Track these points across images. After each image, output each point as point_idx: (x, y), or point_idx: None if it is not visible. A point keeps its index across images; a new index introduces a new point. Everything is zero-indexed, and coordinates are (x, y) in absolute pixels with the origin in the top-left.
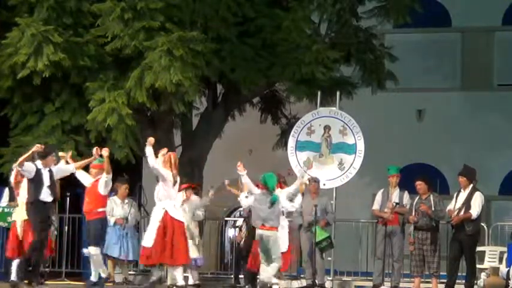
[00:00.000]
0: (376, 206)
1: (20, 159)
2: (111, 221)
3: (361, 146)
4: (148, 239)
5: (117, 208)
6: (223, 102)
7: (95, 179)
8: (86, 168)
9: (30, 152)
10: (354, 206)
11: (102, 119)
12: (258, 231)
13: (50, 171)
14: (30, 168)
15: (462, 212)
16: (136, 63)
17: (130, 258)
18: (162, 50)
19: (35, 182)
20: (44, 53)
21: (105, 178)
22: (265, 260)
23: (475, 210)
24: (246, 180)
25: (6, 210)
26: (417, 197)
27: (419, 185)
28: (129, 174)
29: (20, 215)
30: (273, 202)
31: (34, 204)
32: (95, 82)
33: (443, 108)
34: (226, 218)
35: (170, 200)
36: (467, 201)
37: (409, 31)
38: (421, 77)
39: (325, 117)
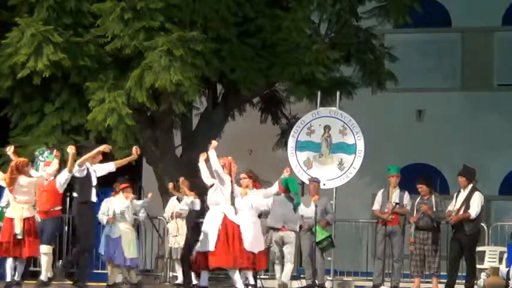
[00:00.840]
0: (376, 206)
1: (82, 158)
2: (104, 220)
3: (361, 146)
4: (210, 243)
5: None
6: (223, 102)
7: (53, 178)
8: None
9: (96, 151)
10: (354, 206)
11: (102, 119)
12: (279, 233)
13: (94, 171)
14: (84, 167)
15: (461, 212)
16: (136, 63)
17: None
18: (162, 50)
19: (86, 182)
20: (44, 53)
21: (66, 176)
22: (280, 261)
23: (474, 210)
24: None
25: (5, 210)
26: (419, 197)
27: (421, 187)
28: (129, 174)
29: (18, 213)
30: (297, 206)
31: (88, 205)
32: (95, 82)
33: (443, 108)
34: None
35: (227, 204)
36: (466, 201)
37: (409, 31)
38: (421, 77)
39: (325, 117)
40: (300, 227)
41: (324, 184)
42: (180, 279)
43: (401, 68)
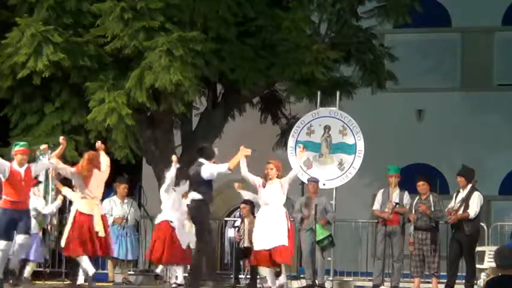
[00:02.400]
0: (376, 206)
1: (235, 160)
2: (110, 220)
3: (361, 146)
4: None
5: (116, 208)
6: (223, 102)
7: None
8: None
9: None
10: (354, 206)
11: (102, 119)
12: None
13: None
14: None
15: (460, 212)
16: (136, 63)
17: (130, 257)
18: (162, 50)
19: (210, 183)
20: (44, 53)
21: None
22: None
23: (472, 210)
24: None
25: None
26: (417, 197)
27: (422, 185)
28: (129, 174)
29: (97, 210)
30: None
31: (208, 206)
32: (94, 82)
33: (443, 108)
34: (226, 218)
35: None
36: (465, 201)
37: (409, 31)
38: (421, 77)
39: (325, 117)
40: (302, 219)
41: (324, 184)
42: (180, 279)
43: (401, 68)
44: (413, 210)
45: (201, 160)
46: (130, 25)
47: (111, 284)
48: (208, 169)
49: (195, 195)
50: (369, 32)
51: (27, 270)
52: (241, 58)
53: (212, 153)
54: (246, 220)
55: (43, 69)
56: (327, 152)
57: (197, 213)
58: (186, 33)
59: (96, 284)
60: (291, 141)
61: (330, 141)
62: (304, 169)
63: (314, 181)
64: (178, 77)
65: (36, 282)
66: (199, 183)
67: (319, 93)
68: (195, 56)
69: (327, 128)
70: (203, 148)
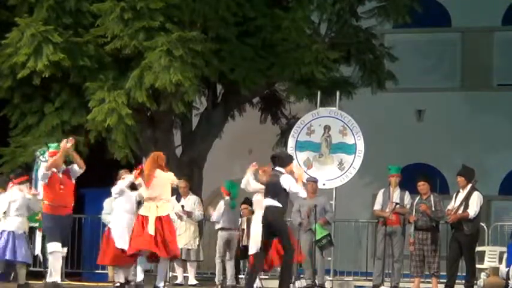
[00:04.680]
0: (377, 206)
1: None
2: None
3: (361, 146)
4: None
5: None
6: (223, 102)
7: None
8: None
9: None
10: (354, 206)
11: (102, 119)
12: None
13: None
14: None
15: (460, 212)
16: (136, 63)
17: None
18: (161, 50)
19: (288, 194)
20: (44, 53)
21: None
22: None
23: (472, 210)
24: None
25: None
26: (418, 197)
27: (423, 185)
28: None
29: (153, 212)
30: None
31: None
32: (94, 82)
33: (443, 108)
34: None
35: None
36: (465, 200)
37: (409, 31)
38: (421, 77)
39: (325, 117)
40: (300, 224)
41: (324, 184)
42: (180, 279)
43: (401, 68)
44: (413, 210)
45: (278, 169)
46: (130, 25)
47: (111, 284)
48: (288, 183)
49: (273, 202)
50: (368, 32)
51: (21, 275)
52: (241, 58)
53: (287, 159)
54: (246, 220)
55: (43, 69)
56: (327, 152)
57: (277, 222)
58: (186, 33)
59: (96, 283)
60: (291, 141)
61: (330, 141)
62: (304, 169)
63: (313, 181)
64: (178, 77)
65: (36, 282)
66: (278, 193)
67: (319, 93)
68: (195, 56)
69: (327, 128)
70: (276, 157)
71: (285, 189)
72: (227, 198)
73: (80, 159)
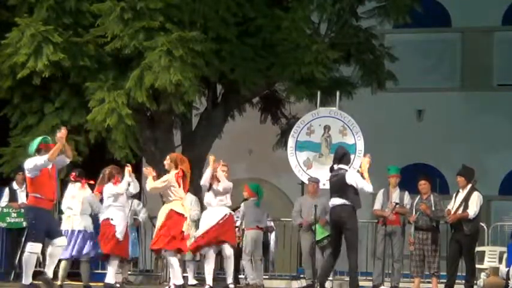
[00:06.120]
0: (377, 206)
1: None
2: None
3: (361, 146)
4: None
5: None
6: (223, 102)
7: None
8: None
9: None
10: None
11: (102, 119)
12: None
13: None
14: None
15: (460, 212)
16: (136, 63)
17: (133, 256)
18: (161, 50)
19: (357, 189)
20: (44, 53)
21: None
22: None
23: (472, 210)
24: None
25: (5, 210)
26: (418, 197)
27: (424, 184)
28: None
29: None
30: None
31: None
32: (94, 82)
33: (443, 108)
34: None
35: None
36: (465, 201)
37: (409, 31)
38: (421, 77)
39: (325, 117)
40: (300, 225)
41: (324, 184)
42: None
43: (401, 68)
44: (414, 210)
45: (342, 166)
46: (130, 25)
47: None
48: (354, 178)
49: (342, 201)
50: (368, 32)
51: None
52: (241, 58)
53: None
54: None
55: (43, 69)
56: (327, 152)
57: (349, 220)
58: (186, 33)
59: (96, 284)
60: (290, 141)
61: (330, 141)
62: (304, 169)
63: (314, 181)
64: (178, 77)
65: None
66: (345, 189)
67: (319, 93)
68: (195, 56)
69: (326, 128)
70: (346, 154)
71: (352, 186)
72: (252, 199)
73: (70, 150)
